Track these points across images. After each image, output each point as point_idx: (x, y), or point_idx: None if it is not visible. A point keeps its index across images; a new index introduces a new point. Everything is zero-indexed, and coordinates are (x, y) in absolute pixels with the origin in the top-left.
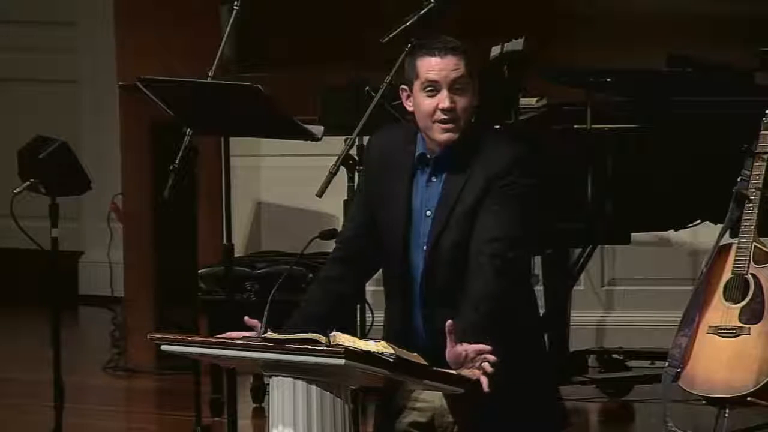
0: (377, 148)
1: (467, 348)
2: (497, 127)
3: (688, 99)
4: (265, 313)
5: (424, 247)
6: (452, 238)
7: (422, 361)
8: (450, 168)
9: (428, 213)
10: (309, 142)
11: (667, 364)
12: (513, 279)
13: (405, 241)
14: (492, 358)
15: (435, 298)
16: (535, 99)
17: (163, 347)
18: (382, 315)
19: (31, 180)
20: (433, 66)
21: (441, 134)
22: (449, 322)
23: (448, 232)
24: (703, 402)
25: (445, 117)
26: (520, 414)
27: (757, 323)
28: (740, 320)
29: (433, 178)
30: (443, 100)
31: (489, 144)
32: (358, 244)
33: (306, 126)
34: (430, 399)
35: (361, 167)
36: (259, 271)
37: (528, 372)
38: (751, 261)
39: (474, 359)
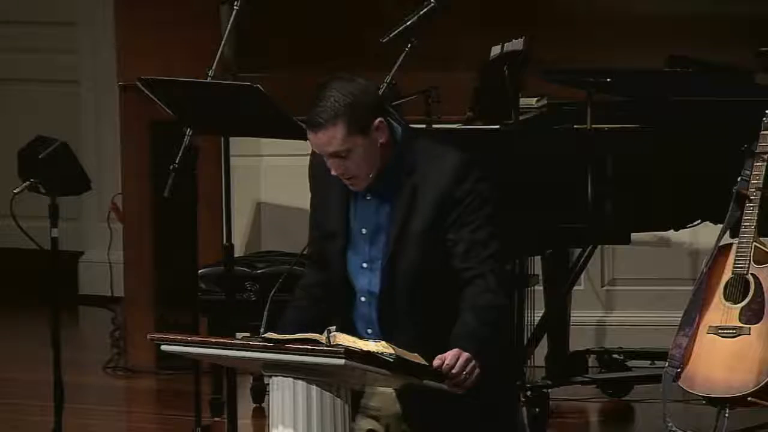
0: (318, 162)
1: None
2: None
3: (688, 99)
4: (265, 313)
5: (377, 270)
6: (410, 257)
7: (422, 361)
8: (385, 185)
9: (363, 231)
10: (309, 142)
11: (667, 364)
12: (505, 286)
13: (343, 256)
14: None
15: (392, 319)
16: (535, 99)
17: (163, 347)
18: None
19: (31, 180)
20: (311, 140)
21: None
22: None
23: (404, 251)
24: (703, 402)
25: (341, 178)
26: (480, 419)
27: (757, 323)
28: (740, 320)
29: (368, 196)
30: (330, 167)
31: (424, 156)
32: (324, 249)
33: None
34: (385, 406)
35: None
36: (259, 271)
37: (495, 380)
38: (752, 261)
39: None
